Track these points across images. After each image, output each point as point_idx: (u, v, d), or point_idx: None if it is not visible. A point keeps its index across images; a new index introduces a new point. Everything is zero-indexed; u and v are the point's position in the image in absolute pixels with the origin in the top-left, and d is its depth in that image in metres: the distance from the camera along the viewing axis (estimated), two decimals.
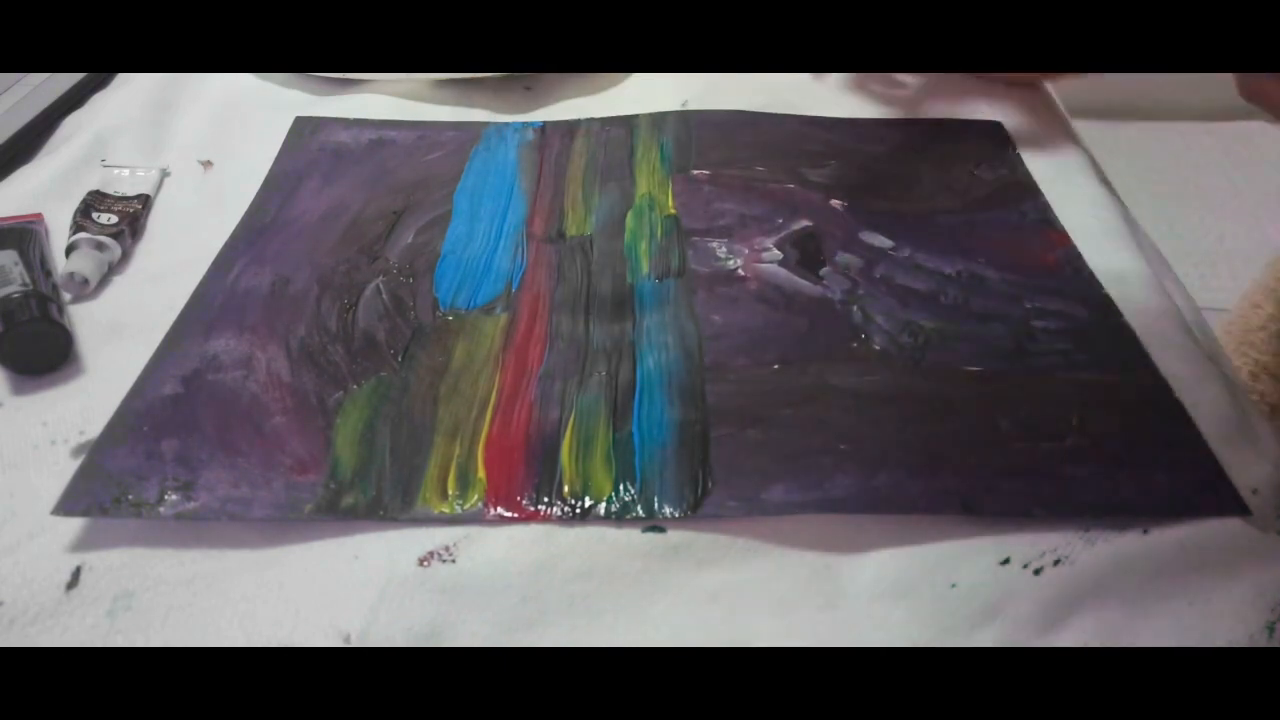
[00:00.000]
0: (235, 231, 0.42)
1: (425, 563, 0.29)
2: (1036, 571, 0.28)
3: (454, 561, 0.29)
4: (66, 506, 0.30)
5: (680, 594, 0.28)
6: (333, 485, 0.30)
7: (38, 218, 0.42)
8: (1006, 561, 0.29)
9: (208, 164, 0.47)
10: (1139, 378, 0.34)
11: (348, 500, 0.30)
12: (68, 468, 0.32)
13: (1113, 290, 0.38)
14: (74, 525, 0.30)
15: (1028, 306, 0.37)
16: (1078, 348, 0.35)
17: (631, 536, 0.29)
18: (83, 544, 0.30)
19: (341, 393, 0.34)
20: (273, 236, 0.42)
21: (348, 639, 0.27)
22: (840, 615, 0.28)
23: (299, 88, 0.53)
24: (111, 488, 0.30)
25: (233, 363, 0.35)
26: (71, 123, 0.51)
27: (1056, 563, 0.28)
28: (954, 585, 0.28)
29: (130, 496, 0.30)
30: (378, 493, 0.30)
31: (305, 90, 0.53)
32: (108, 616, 0.28)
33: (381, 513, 0.30)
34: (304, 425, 0.32)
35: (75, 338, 0.37)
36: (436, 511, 0.30)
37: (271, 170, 0.46)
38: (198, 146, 0.49)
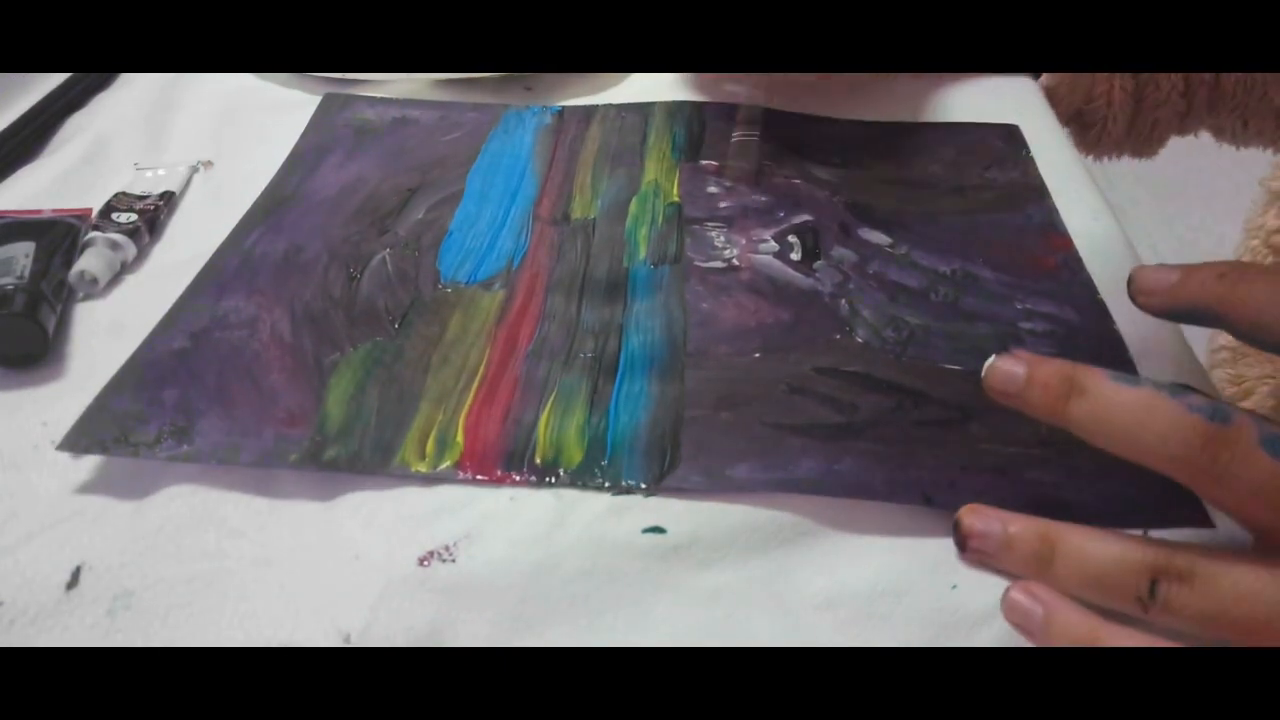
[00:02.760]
0: (257, 201, 0.44)
1: (425, 563, 0.29)
2: None
3: (454, 561, 0.29)
4: (71, 444, 0.31)
5: (680, 594, 0.28)
6: (319, 439, 0.32)
7: (86, 213, 0.43)
8: None
9: (208, 164, 0.47)
10: None
11: (330, 453, 0.31)
12: (68, 468, 0.32)
13: (1108, 297, 0.38)
14: (74, 525, 0.30)
15: (1018, 308, 0.37)
16: (1062, 353, 0.35)
17: (632, 536, 0.29)
18: (83, 544, 0.30)
19: (338, 354, 0.35)
20: (291, 207, 0.43)
21: (348, 639, 0.27)
22: (840, 615, 0.28)
23: (299, 88, 0.53)
24: (114, 429, 0.32)
25: (239, 322, 0.37)
26: (73, 123, 0.51)
27: None
28: (955, 586, 0.28)
29: (130, 438, 0.32)
30: (359, 448, 0.32)
31: (305, 90, 0.53)
32: (108, 616, 0.28)
33: (360, 467, 0.31)
34: (299, 382, 0.34)
35: (71, 336, 0.37)
36: (413, 470, 0.31)
37: (298, 144, 0.48)
38: (198, 146, 0.49)
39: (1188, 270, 0.27)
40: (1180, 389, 0.24)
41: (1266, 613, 0.24)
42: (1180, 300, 0.27)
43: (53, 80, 0.52)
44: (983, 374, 0.28)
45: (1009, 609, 0.26)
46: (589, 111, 0.50)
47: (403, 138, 0.48)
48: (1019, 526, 0.27)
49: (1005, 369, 0.27)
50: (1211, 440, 0.23)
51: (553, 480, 0.31)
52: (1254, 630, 0.24)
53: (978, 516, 0.28)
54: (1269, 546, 0.25)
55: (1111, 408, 0.25)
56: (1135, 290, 0.28)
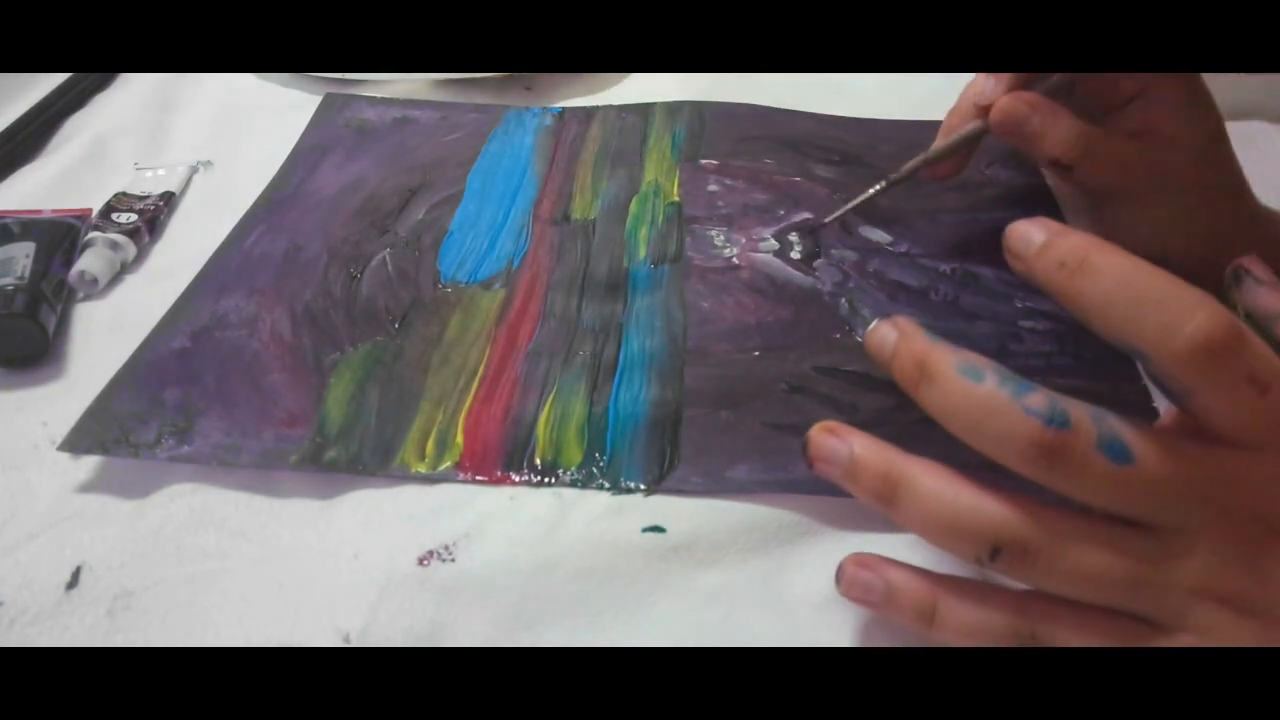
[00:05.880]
0: (257, 200, 0.44)
1: (425, 562, 0.29)
2: None
3: (454, 561, 0.29)
4: (71, 444, 0.31)
5: (680, 594, 0.28)
6: (319, 439, 0.32)
7: (86, 213, 0.43)
8: None
9: (207, 164, 0.48)
10: (1120, 386, 0.34)
11: (330, 454, 0.31)
12: (68, 468, 0.32)
13: None
14: (74, 525, 0.30)
15: (1019, 306, 0.37)
16: (1062, 350, 0.35)
17: (632, 536, 0.29)
18: (83, 544, 0.30)
19: (338, 354, 0.35)
20: (292, 206, 0.43)
21: (348, 639, 0.27)
22: (841, 614, 0.28)
23: (299, 88, 0.53)
24: (114, 429, 0.32)
25: (239, 322, 0.37)
26: (73, 123, 0.51)
27: None
28: None
29: (130, 438, 0.32)
30: (359, 449, 0.32)
31: (305, 90, 0.53)
32: (108, 616, 0.28)
33: (360, 468, 0.31)
34: (299, 382, 0.34)
35: (71, 336, 0.37)
36: (413, 470, 0.31)
37: (298, 143, 0.48)
38: (198, 146, 0.49)
39: (1049, 241, 0.24)
40: (1024, 387, 0.23)
41: (1105, 597, 0.23)
42: (1033, 279, 0.24)
43: (53, 80, 0.52)
44: (864, 334, 0.26)
45: (847, 585, 0.26)
46: (589, 112, 0.50)
47: (403, 138, 0.48)
48: (866, 456, 0.25)
49: (879, 335, 0.26)
50: (1047, 446, 0.22)
51: (552, 481, 0.31)
52: (1089, 611, 0.24)
53: (829, 435, 0.26)
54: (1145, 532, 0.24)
55: (955, 402, 0.24)
56: (1004, 248, 0.25)
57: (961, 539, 0.24)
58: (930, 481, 0.24)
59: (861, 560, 0.26)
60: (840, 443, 0.25)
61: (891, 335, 0.25)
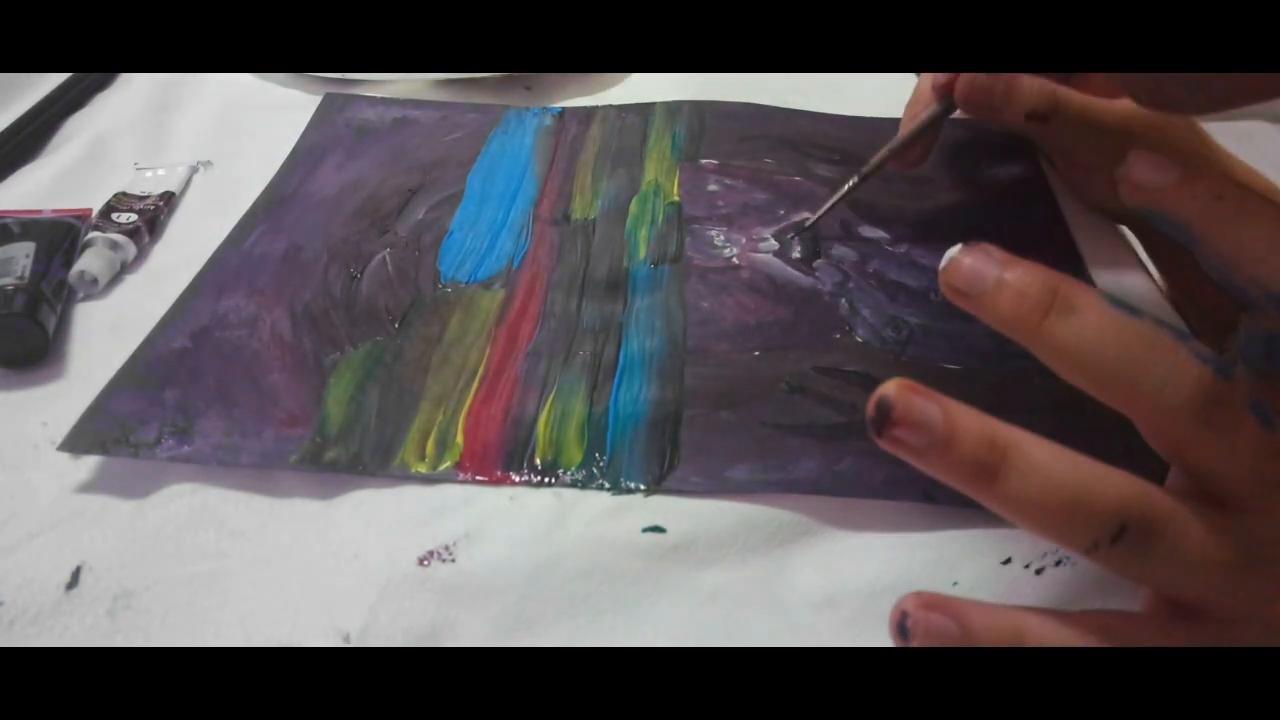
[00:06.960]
0: (257, 201, 0.44)
1: (425, 562, 0.29)
2: (1038, 571, 0.28)
3: (454, 561, 0.29)
4: (71, 444, 0.31)
5: (680, 594, 0.28)
6: (319, 439, 0.32)
7: (86, 213, 0.43)
8: (1008, 561, 0.29)
9: (207, 164, 0.48)
10: None
11: (330, 454, 0.31)
12: (68, 468, 0.32)
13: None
14: (74, 525, 0.30)
15: None
16: None
17: (632, 536, 0.29)
18: (83, 544, 0.30)
19: (338, 354, 0.35)
20: (292, 207, 0.43)
21: (348, 639, 0.27)
22: (841, 614, 0.28)
23: (299, 88, 0.53)
24: (114, 429, 0.32)
25: (239, 322, 0.37)
26: (73, 123, 0.51)
27: (1058, 563, 0.28)
28: (955, 584, 0.28)
29: (130, 438, 0.32)
30: (359, 449, 0.32)
31: (305, 90, 0.53)
32: (108, 616, 0.28)
33: (360, 468, 0.31)
34: (299, 382, 0.34)
35: (71, 336, 0.37)
36: (413, 470, 0.31)
37: (298, 144, 0.48)
38: (198, 147, 0.49)
39: (1187, 176, 0.22)
40: (1181, 332, 0.20)
41: (1218, 586, 0.21)
42: (1166, 205, 0.22)
43: (53, 80, 0.52)
44: (941, 266, 0.22)
45: (924, 632, 0.22)
46: (589, 112, 0.50)
47: (403, 138, 0.48)
48: (966, 422, 0.20)
49: (972, 265, 0.21)
50: (1214, 397, 0.20)
51: (552, 481, 0.31)
52: (1195, 604, 0.22)
53: (917, 395, 0.20)
54: (1232, 513, 0.21)
55: (1106, 335, 0.20)
56: (1124, 178, 0.23)
57: (1083, 518, 0.20)
58: (1044, 451, 0.20)
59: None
60: (932, 404, 0.20)
61: (990, 265, 0.21)
